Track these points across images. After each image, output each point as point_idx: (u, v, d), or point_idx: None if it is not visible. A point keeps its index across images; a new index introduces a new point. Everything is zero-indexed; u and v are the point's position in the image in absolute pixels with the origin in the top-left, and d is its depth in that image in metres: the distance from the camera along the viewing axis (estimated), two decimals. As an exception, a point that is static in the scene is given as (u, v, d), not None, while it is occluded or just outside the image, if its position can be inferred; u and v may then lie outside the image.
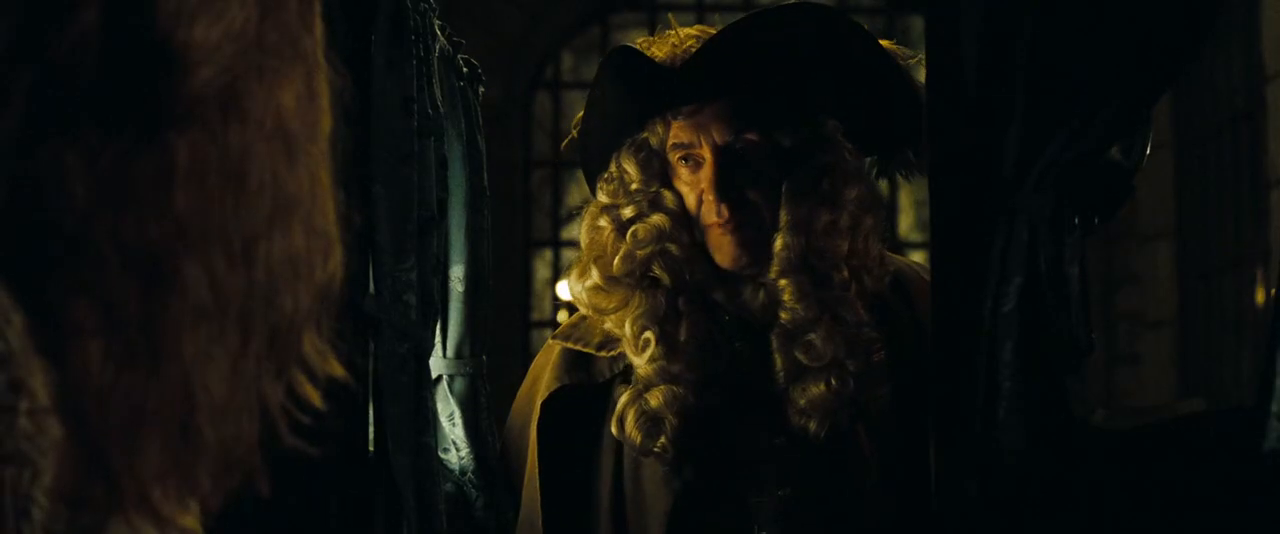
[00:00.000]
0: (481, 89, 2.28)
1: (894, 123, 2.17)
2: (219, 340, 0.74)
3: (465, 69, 2.22)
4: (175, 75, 0.73)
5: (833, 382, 2.05)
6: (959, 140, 1.73)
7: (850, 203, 2.11)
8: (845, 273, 2.10)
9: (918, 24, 7.94)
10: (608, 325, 2.16)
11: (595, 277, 2.15)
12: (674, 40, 2.15)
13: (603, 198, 2.18)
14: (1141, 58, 1.65)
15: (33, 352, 0.71)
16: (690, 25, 2.22)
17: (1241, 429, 1.61)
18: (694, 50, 2.09)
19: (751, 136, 2.07)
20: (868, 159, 2.23)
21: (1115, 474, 1.72)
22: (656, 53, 2.13)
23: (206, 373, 0.74)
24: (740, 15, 2.19)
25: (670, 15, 2.25)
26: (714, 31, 2.13)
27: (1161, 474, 1.72)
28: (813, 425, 2.05)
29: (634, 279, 2.13)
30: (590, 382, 2.17)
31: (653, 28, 8.37)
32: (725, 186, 2.06)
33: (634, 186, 2.14)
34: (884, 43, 2.14)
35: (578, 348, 2.19)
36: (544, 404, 2.15)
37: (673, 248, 2.11)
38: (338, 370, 0.82)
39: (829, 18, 2.13)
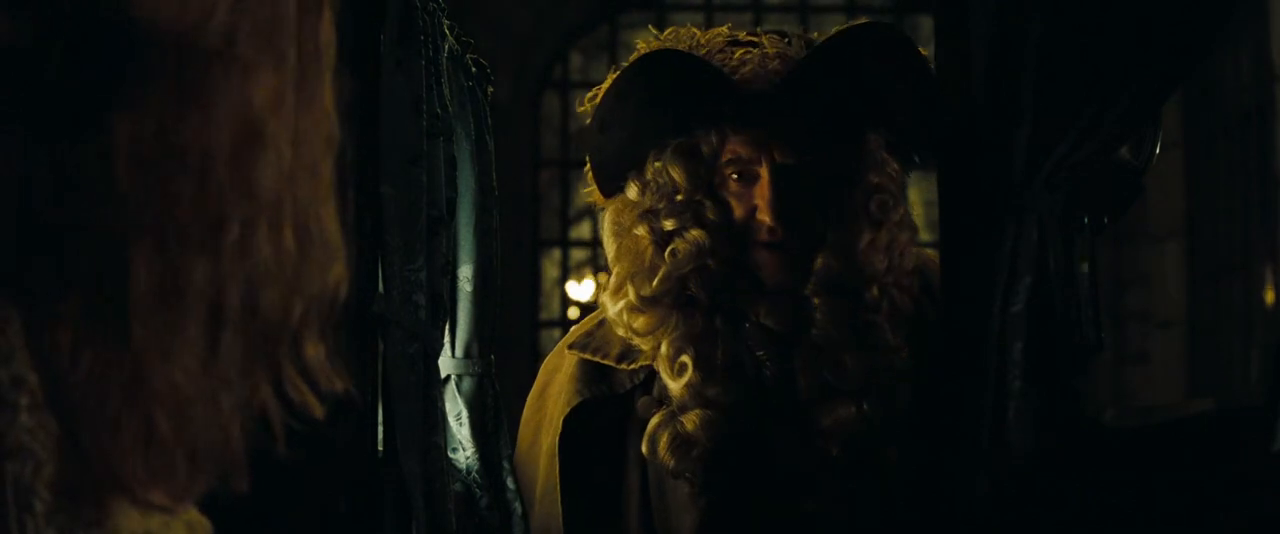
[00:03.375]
0: (490, 89, 2.28)
1: (928, 132, 2.11)
2: (177, 332, 0.74)
3: (474, 69, 2.22)
4: (130, 57, 0.72)
5: (864, 406, 2.02)
6: (968, 140, 1.72)
7: (892, 224, 2.08)
8: (876, 291, 2.06)
9: (926, 24, 7.92)
10: (639, 342, 2.13)
11: (631, 296, 2.10)
12: (743, 53, 2.09)
13: (635, 196, 2.13)
14: (1151, 57, 1.65)
15: (25, 347, 0.71)
16: (697, 26, 2.19)
17: (1251, 428, 1.60)
18: (769, 66, 2.05)
19: (809, 157, 2.04)
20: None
21: (1124, 473, 1.72)
22: (740, 64, 2.07)
23: (165, 365, 0.74)
24: (747, 16, 2.17)
25: (719, 15, 2.21)
26: (768, 40, 2.09)
27: (1170, 473, 1.72)
28: (835, 448, 2.03)
29: (671, 298, 2.08)
30: (611, 394, 2.13)
31: (661, 27, 8.32)
32: (782, 206, 2.02)
33: (680, 197, 2.09)
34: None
35: (596, 359, 2.15)
36: (565, 421, 2.11)
37: (712, 263, 2.07)
38: (340, 385, 0.81)
39: (889, 38, 2.09)
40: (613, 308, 2.13)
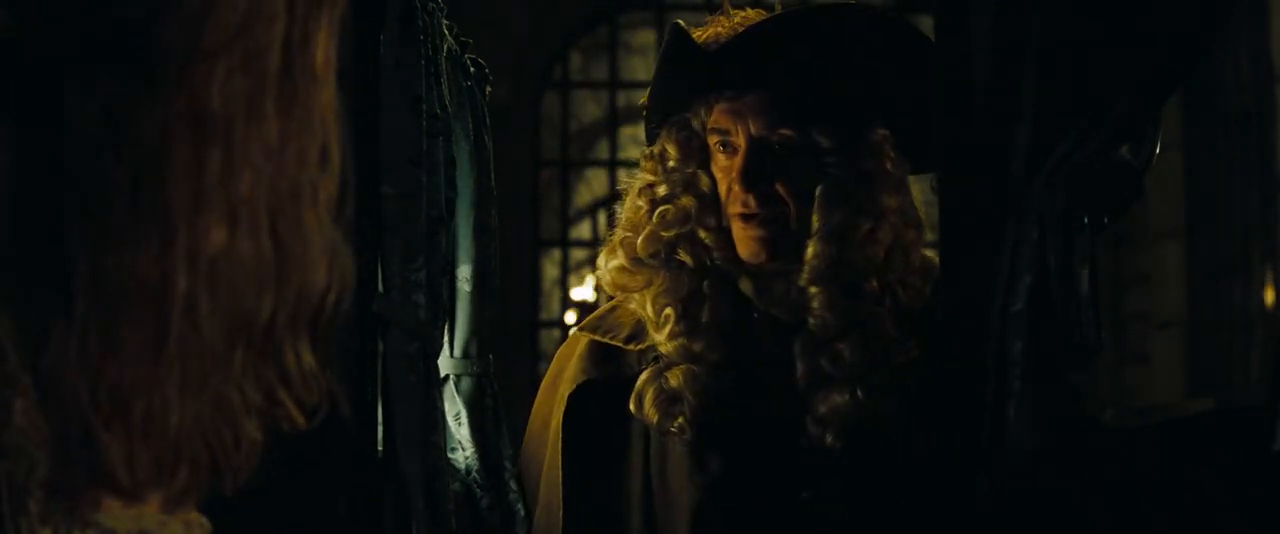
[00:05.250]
0: (489, 89, 2.28)
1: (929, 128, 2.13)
2: (146, 328, 0.73)
3: (473, 69, 2.22)
4: (84, 38, 0.71)
5: (859, 393, 2.02)
6: (968, 139, 1.72)
7: (891, 213, 2.07)
8: (876, 285, 2.07)
9: (926, 24, 7.90)
10: (632, 306, 2.15)
11: (621, 257, 2.13)
12: (727, 22, 2.12)
13: (645, 174, 2.17)
14: (1151, 56, 1.65)
15: (17, 347, 0.71)
16: (702, 22, 2.20)
17: (1250, 429, 1.60)
18: (736, 30, 2.07)
19: (787, 132, 2.04)
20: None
21: (1124, 473, 1.72)
22: (715, 32, 2.11)
23: (148, 363, 0.73)
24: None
25: (734, 10, 2.21)
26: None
27: (1170, 473, 1.72)
28: (829, 437, 2.03)
29: (659, 260, 2.11)
30: (618, 376, 2.14)
31: (661, 27, 8.35)
32: (753, 179, 2.04)
33: (671, 164, 2.13)
34: None
35: (605, 340, 2.17)
36: (569, 397, 2.13)
37: (701, 233, 2.09)
38: (321, 395, 0.81)
39: (884, 21, 2.11)
40: (603, 267, 2.17)
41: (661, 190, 2.13)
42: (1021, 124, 1.67)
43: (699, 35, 2.11)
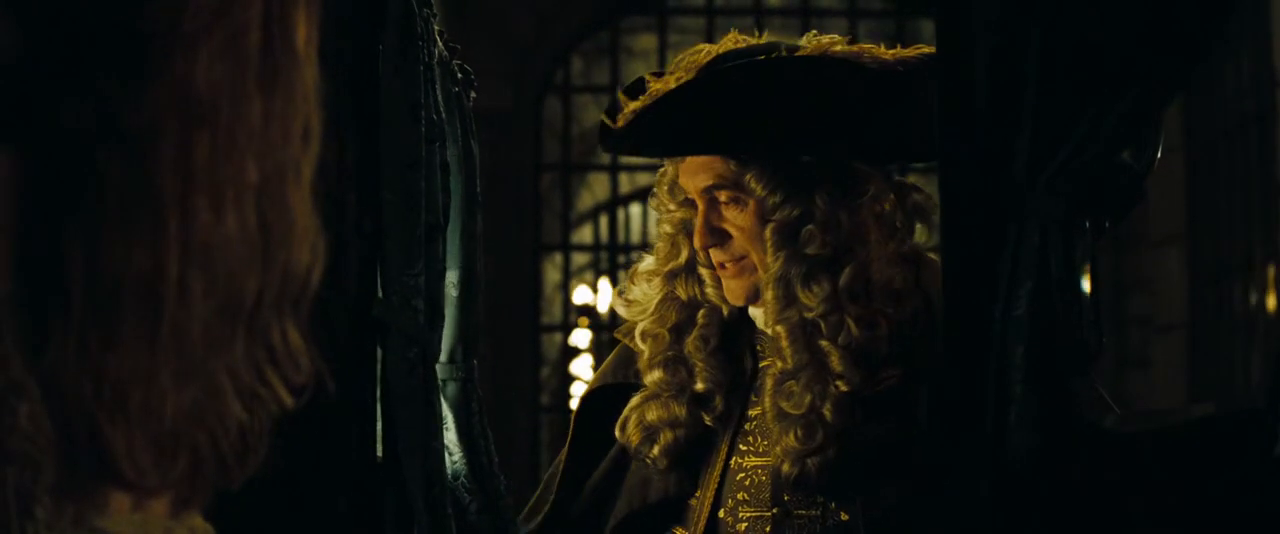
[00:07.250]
0: (473, 94, 2.29)
1: (907, 137, 2.18)
2: (142, 322, 0.73)
3: (459, 74, 2.22)
4: (75, 40, 0.71)
5: (800, 432, 2.07)
6: (969, 143, 1.72)
7: (825, 251, 2.09)
8: (824, 326, 2.09)
9: (927, 26, 7.89)
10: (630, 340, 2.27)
11: (630, 291, 2.26)
12: (674, 75, 2.17)
13: (653, 208, 2.29)
14: (1152, 59, 1.65)
15: (21, 351, 0.71)
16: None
17: (1252, 433, 1.60)
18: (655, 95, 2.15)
19: (725, 189, 2.11)
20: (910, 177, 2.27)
21: (1126, 478, 1.72)
22: (663, 85, 2.16)
23: (143, 358, 0.73)
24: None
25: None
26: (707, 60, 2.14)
27: (1172, 478, 1.71)
28: (786, 467, 2.09)
29: (656, 292, 2.22)
30: (632, 380, 2.26)
31: (662, 31, 8.36)
32: (706, 235, 2.13)
33: (669, 206, 2.24)
34: (885, 52, 2.11)
35: (629, 344, 2.29)
36: (583, 398, 2.30)
37: (700, 270, 2.19)
38: (303, 375, 0.81)
39: (797, 62, 2.11)
40: (618, 300, 2.30)
41: (666, 227, 2.24)
42: (1022, 128, 1.66)
43: (658, 85, 2.16)
